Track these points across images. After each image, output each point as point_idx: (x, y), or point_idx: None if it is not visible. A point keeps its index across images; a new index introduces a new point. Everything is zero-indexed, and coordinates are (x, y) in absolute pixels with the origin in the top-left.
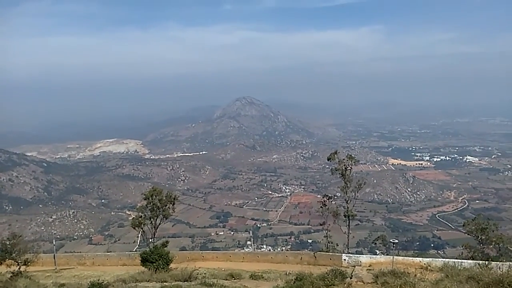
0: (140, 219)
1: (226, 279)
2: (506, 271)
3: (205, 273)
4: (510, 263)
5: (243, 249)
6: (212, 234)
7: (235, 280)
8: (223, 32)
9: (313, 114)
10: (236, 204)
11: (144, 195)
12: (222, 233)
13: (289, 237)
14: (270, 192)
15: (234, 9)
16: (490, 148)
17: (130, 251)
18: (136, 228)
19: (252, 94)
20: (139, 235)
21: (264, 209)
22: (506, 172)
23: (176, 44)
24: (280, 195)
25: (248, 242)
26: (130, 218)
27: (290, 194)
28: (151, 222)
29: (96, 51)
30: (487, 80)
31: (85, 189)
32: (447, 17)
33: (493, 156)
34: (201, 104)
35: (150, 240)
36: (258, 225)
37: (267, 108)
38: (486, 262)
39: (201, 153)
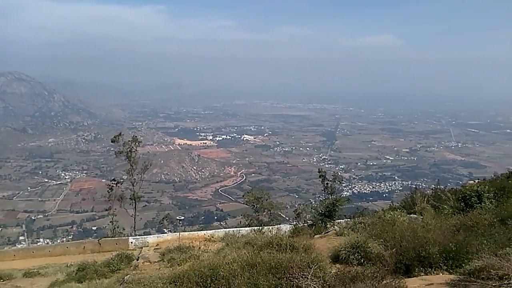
0: None
1: None
2: (275, 233)
3: None
4: (278, 226)
5: (15, 245)
6: None
7: (4, 282)
8: None
9: (95, 93)
10: (3, 196)
11: None
12: None
13: (71, 226)
14: (47, 180)
15: None
16: (263, 127)
17: None
18: None
19: (21, 69)
20: None
21: (39, 199)
22: (276, 148)
23: None
24: (59, 182)
25: (21, 238)
26: None
27: (71, 181)
28: None
29: None
30: (261, 66)
31: None
32: (229, 5)
33: (265, 134)
34: None
35: None
36: (33, 218)
37: (40, 85)
38: (260, 228)
39: None
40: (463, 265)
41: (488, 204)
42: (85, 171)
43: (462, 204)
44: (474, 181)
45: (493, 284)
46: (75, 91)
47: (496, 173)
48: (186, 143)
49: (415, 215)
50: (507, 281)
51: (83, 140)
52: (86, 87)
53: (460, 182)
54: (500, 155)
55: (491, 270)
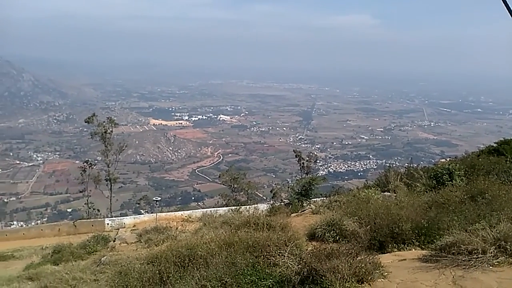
0: None
1: None
2: (252, 213)
3: None
4: (255, 205)
5: None
6: None
7: None
8: None
9: (66, 72)
10: None
11: None
12: None
13: (45, 209)
14: (18, 162)
15: None
16: (239, 107)
17: None
18: None
19: None
20: None
21: (11, 181)
22: (252, 128)
23: None
24: (31, 164)
25: None
26: None
27: (44, 162)
28: None
29: None
30: (236, 45)
31: None
32: None
33: (242, 114)
34: None
35: None
36: (5, 200)
37: (8, 64)
38: (237, 207)
39: None
40: (435, 240)
41: (459, 182)
42: (58, 152)
43: (434, 181)
44: (446, 159)
45: (463, 259)
46: (46, 70)
47: (467, 151)
48: (161, 123)
49: (389, 193)
50: (476, 255)
51: (55, 121)
52: (56, 66)
53: (432, 161)
54: (471, 133)
55: (461, 245)
